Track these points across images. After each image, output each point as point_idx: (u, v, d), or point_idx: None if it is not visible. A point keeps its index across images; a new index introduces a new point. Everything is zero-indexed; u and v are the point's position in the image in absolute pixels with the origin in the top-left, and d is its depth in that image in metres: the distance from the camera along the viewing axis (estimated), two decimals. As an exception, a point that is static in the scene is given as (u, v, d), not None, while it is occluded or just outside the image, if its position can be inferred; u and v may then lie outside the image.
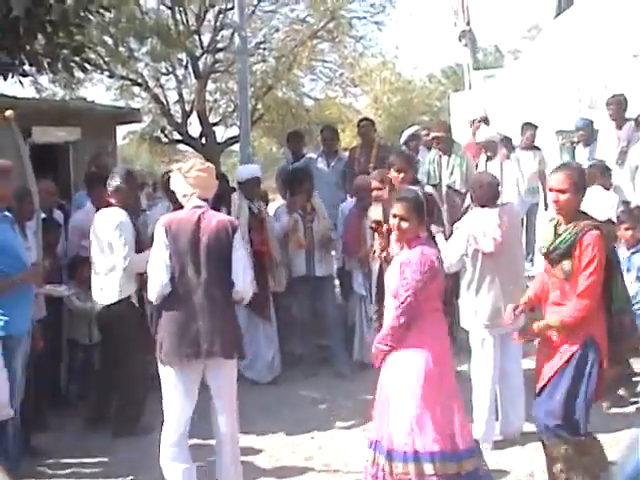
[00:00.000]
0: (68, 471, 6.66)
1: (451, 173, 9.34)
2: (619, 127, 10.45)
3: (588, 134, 10.86)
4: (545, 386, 5.31)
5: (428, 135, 10.55)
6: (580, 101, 12.92)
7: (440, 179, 9.35)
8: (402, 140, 10.81)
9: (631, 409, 7.38)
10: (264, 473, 6.52)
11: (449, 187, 9.23)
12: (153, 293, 5.58)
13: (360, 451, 6.73)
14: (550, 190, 5.24)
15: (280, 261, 8.90)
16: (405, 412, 5.23)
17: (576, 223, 5.16)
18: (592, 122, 10.96)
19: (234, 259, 5.60)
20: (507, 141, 11.16)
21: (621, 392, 7.50)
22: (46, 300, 7.06)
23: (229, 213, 8.74)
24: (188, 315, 5.51)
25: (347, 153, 10.96)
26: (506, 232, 6.50)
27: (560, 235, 5.22)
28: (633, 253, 7.36)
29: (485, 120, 10.11)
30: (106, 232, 6.97)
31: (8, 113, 5.92)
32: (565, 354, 5.21)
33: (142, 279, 6.55)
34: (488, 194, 6.69)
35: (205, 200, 5.78)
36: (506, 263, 6.56)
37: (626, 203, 9.50)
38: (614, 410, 7.30)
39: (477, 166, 9.89)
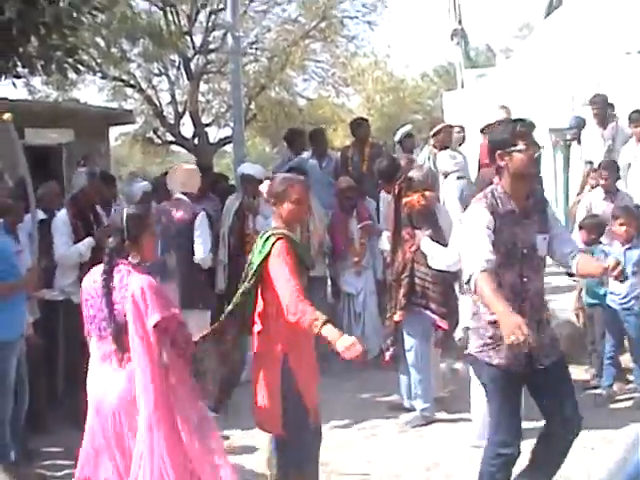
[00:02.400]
0: (65, 472, 6.63)
1: None
2: (603, 126, 10.52)
3: (581, 132, 10.97)
4: None
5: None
6: (573, 99, 12.96)
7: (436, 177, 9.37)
8: (396, 139, 10.81)
9: (627, 404, 7.43)
10: (260, 472, 6.50)
11: None
12: None
13: (357, 450, 6.79)
14: (300, 203, 5.01)
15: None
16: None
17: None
18: (585, 120, 11.01)
19: (195, 236, 7.53)
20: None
21: (615, 388, 7.54)
22: (41, 301, 7.12)
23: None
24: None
25: (338, 153, 10.96)
26: None
27: None
28: (628, 249, 7.37)
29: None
30: None
31: (6, 116, 5.92)
32: None
33: None
34: None
35: (185, 194, 7.74)
36: None
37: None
38: (612, 406, 7.34)
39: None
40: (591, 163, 10.57)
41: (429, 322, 7.07)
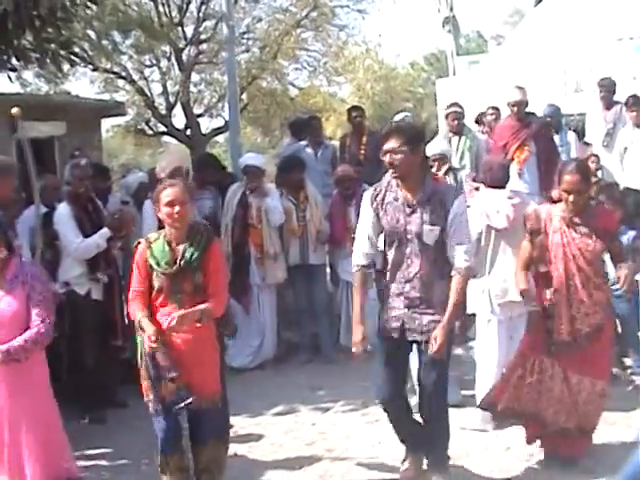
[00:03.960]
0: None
1: (461, 157, 9.37)
2: (607, 108, 10.50)
3: (556, 121, 10.50)
4: None
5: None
6: (565, 85, 13.00)
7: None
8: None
9: (625, 388, 7.49)
10: (266, 459, 6.56)
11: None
12: None
13: (361, 436, 6.84)
14: (171, 205, 5.27)
15: (277, 252, 8.96)
16: None
17: (196, 235, 5.34)
18: (559, 109, 10.69)
19: None
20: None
21: (615, 371, 7.57)
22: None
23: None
24: None
25: (334, 142, 11.00)
26: (517, 211, 6.51)
27: (186, 250, 5.27)
28: None
29: (523, 104, 9.40)
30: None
31: (14, 110, 5.94)
32: None
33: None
34: (499, 176, 6.77)
35: None
36: (517, 243, 6.40)
37: (615, 185, 9.59)
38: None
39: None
40: (590, 145, 10.56)
41: None
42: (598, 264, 5.77)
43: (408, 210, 5.28)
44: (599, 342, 5.76)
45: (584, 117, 11.98)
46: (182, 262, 5.23)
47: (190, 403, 5.16)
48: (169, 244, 5.31)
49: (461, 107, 9.91)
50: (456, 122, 9.71)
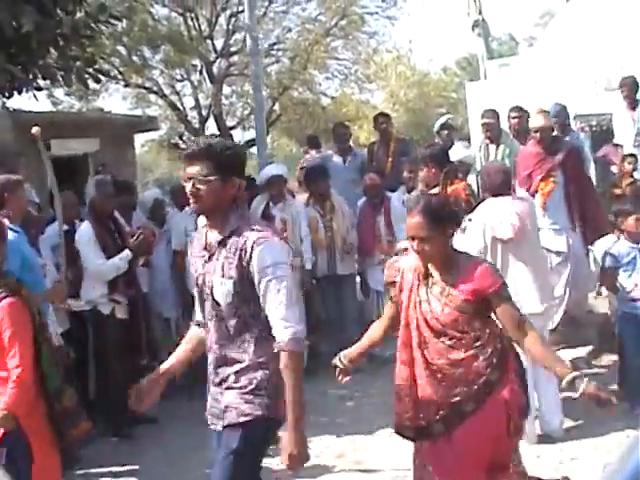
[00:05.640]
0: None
1: None
2: (632, 108, 10.33)
3: (562, 122, 9.89)
4: None
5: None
6: (596, 83, 12.82)
7: None
8: (435, 129, 10.70)
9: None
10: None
11: None
12: None
13: (391, 448, 6.74)
14: None
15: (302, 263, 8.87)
16: None
17: None
18: (565, 108, 10.10)
19: None
20: None
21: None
22: (70, 311, 7.16)
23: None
24: None
25: (365, 149, 10.94)
26: (523, 219, 6.28)
27: None
28: None
29: (547, 130, 8.49)
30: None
31: (34, 130, 5.96)
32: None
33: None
34: (498, 182, 6.39)
35: None
36: (527, 252, 6.28)
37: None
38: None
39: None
40: (621, 146, 10.35)
41: None
42: (457, 333, 4.23)
43: (206, 255, 3.93)
44: (467, 433, 4.24)
45: (617, 116, 11.82)
46: None
47: None
48: None
49: (494, 116, 9.47)
50: (489, 133, 9.41)
